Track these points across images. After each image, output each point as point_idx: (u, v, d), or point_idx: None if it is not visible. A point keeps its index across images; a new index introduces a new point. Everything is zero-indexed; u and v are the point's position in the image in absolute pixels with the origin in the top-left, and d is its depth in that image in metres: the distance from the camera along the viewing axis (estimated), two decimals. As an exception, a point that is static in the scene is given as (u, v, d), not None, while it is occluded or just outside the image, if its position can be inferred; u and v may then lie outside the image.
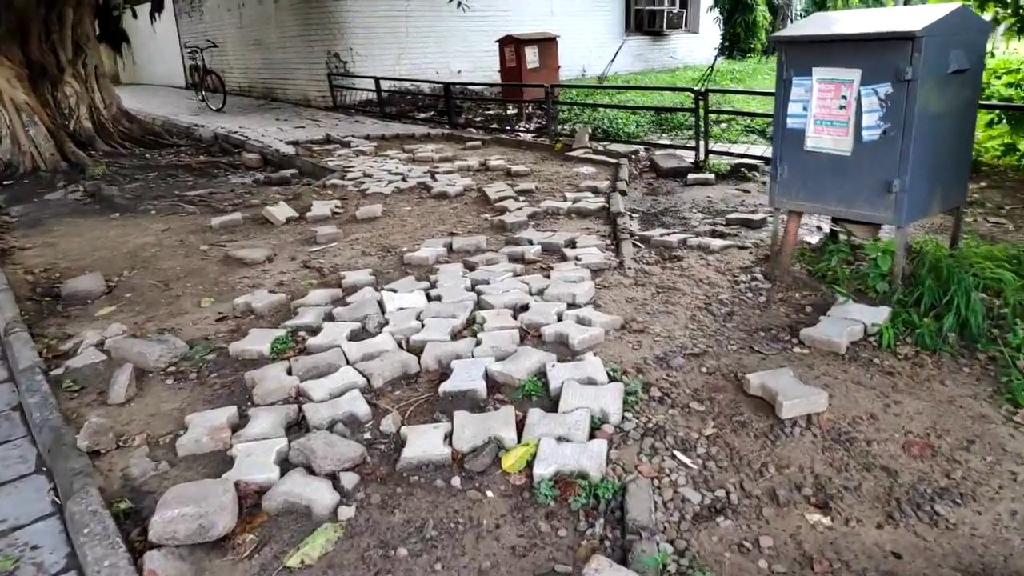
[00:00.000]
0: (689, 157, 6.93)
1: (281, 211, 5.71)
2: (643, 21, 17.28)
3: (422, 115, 11.17)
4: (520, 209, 5.55)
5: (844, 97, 3.26)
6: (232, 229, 5.56)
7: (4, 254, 5.29)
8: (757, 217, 4.89)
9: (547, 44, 10.17)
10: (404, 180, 6.75)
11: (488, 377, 2.83)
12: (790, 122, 3.49)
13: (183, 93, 17.27)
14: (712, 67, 9.54)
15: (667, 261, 4.20)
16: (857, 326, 3.07)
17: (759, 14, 14.93)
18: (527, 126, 9.64)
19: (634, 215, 5.39)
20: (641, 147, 7.59)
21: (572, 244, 4.60)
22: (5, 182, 8.07)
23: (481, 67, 14.27)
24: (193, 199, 6.49)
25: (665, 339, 3.17)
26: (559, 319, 3.35)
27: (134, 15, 10.60)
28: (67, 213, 6.55)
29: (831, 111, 3.32)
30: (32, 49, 8.32)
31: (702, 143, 6.73)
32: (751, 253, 4.23)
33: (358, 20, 12.67)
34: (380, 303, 3.65)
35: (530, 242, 4.67)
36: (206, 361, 3.29)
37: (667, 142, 7.90)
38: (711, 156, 6.72)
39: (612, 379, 2.76)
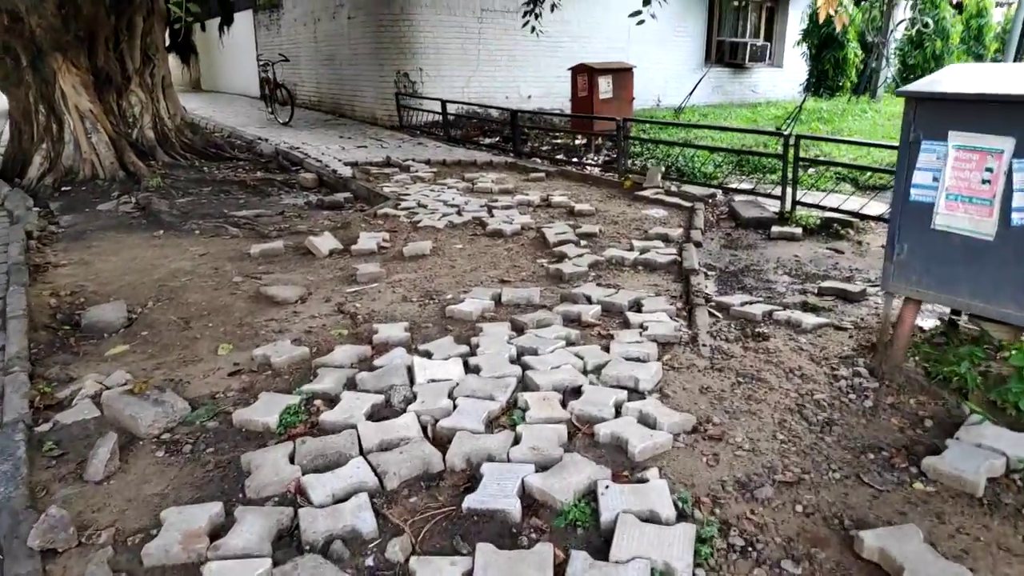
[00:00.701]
0: (773, 206, 6.28)
1: (325, 242, 5.33)
2: (724, 53, 16.60)
3: (487, 140, 10.78)
4: (581, 256, 5.01)
5: (990, 170, 2.63)
6: (271, 259, 5.20)
7: (38, 270, 5.04)
8: (855, 288, 4.22)
9: (622, 74, 9.66)
10: (459, 213, 6.30)
11: (525, 493, 2.30)
12: (915, 193, 2.86)
13: (257, 104, 17.41)
14: (800, 107, 8.83)
15: (750, 339, 3.59)
16: (997, 459, 2.42)
17: (850, 51, 14.09)
18: (595, 159, 9.12)
19: (710, 273, 4.79)
20: (719, 191, 6.97)
21: (637, 306, 4.04)
22: (63, 188, 8.01)
23: (552, 93, 13.87)
24: (239, 221, 6.19)
25: (748, 454, 2.57)
26: (617, 412, 2.80)
27: (203, 28, 10.56)
28: (113, 226, 6.35)
29: (970, 185, 2.69)
30: (99, 57, 8.26)
31: (788, 192, 6.07)
32: (851, 337, 3.59)
33: (429, 41, 12.43)
34: (410, 370, 3.17)
35: (589, 300, 4.13)
36: (205, 430, 2.85)
37: (748, 187, 7.24)
38: (798, 207, 6.05)
39: (680, 514, 2.18)
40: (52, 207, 7.21)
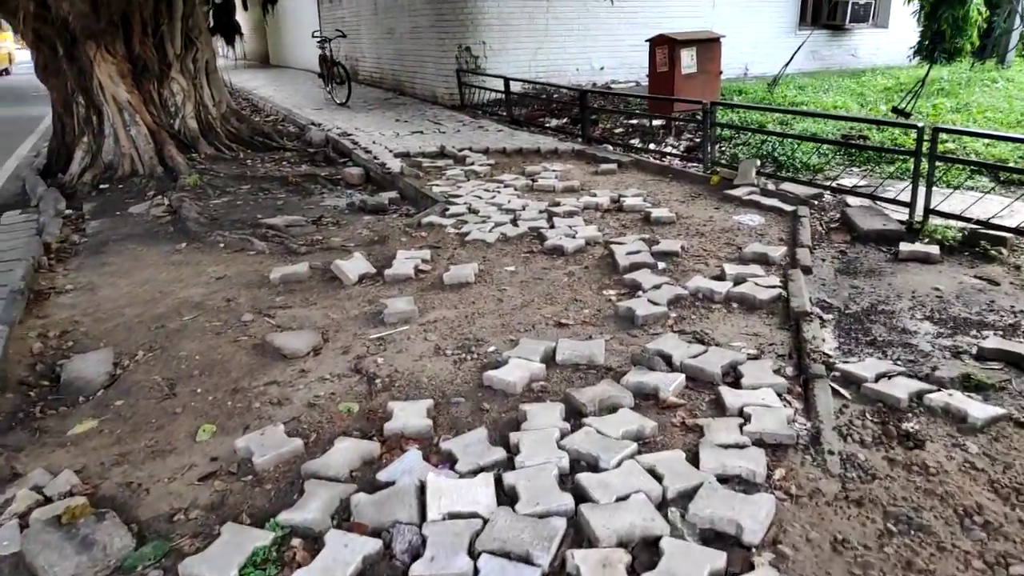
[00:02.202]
0: (898, 213, 5.12)
1: (355, 266, 4.55)
2: (821, 13, 14.90)
3: (554, 122, 9.77)
4: (658, 288, 4.05)
5: None
6: (292, 287, 4.46)
7: (38, 298, 4.48)
8: (1031, 349, 3.14)
9: (708, 46, 8.45)
10: (514, 222, 5.41)
11: None
12: None
13: (318, 81, 16.86)
14: (924, 80, 7.44)
15: (895, 442, 2.59)
16: None
17: (973, 7, 12.26)
18: (676, 144, 8.02)
19: (826, 317, 3.75)
20: (826, 190, 5.82)
21: (734, 375, 3.09)
22: (101, 185, 7.55)
23: (627, 64, 12.70)
24: (267, 232, 5.48)
25: None
26: (712, 593, 1.90)
27: (245, 7, 9.91)
28: (137, 235, 5.78)
29: None
30: (135, 43, 7.69)
31: (920, 197, 4.90)
32: (1046, 443, 2.55)
33: (493, 11, 11.44)
34: (423, 491, 2.34)
35: (668, 362, 3.19)
36: (142, 586, 2.11)
37: (863, 184, 6.05)
38: (931, 216, 4.88)
39: None
40: (85, 209, 6.74)
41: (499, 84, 10.12)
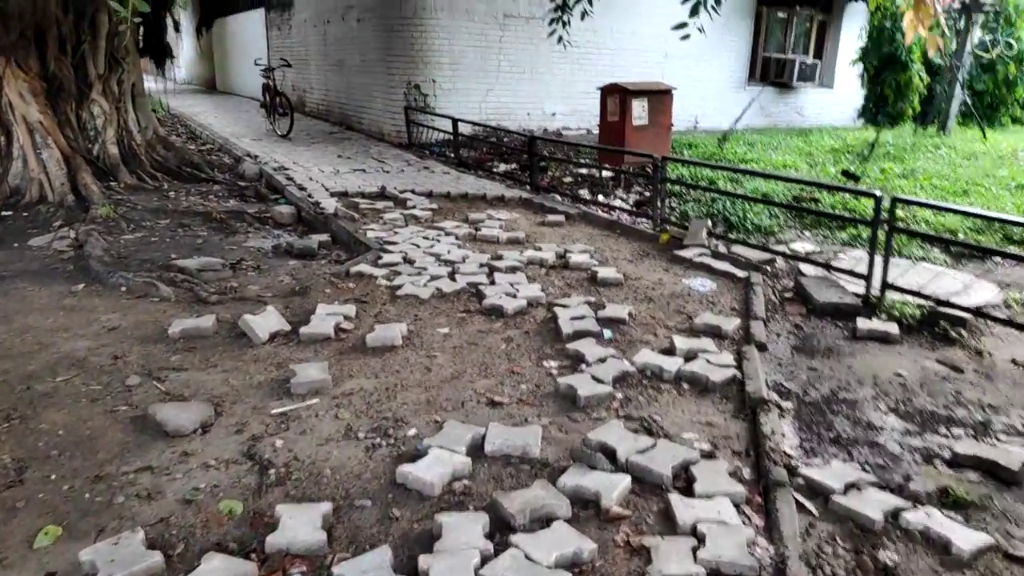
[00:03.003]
0: (853, 285, 4.90)
1: (266, 322, 4.04)
2: (769, 71, 15.14)
3: (502, 167, 9.47)
4: (603, 363, 3.67)
5: None
6: (192, 344, 3.92)
7: None
8: (1007, 458, 2.84)
9: (660, 97, 8.31)
10: (452, 277, 4.99)
11: None
12: None
13: (262, 111, 16.31)
14: (874, 144, 7.39)
15: None
16: None
17: (914, 74, 12.59)
18: (625, 196, 7.77)
19: (785, 405, 3.42)
20: (778, 256, 5.59)
21: (686, 478, 2.70)
22: (4, 212, 6.84)
23: (579, 111, 12.56)
24: (176, 276, 4.92)
25: None
26: None
27: (176, 29, 9.40)
28: (32, 272, 5.15)
29: None
30: (51, 60, 7.08)
31: (877, 270, 4.68)
32: (1037, 580, 2.22)
33: (444, 49, 11.16)
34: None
35: (612, 459, 2.79)
36: None
37: (815, 249, 5.86)
38: (888, 290, 4.66)
39: None
40: (-21, 238, 6.05)
41: (448, 124, 9.80)
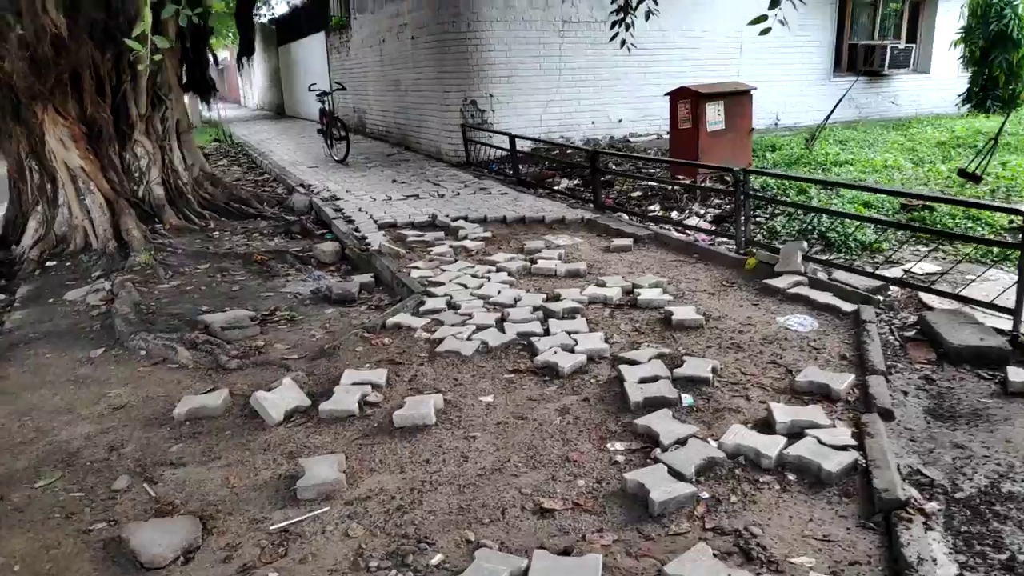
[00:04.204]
0: (996, 320, 3.95)
1: (282, 398, 3.48)
2: (857, 59, 13.86)
3: (564, 183, 8.76)
4: (683, 446, 2.92)
5: None
6: (198, 428, 3.40)
7: None
8: None
9: (737, 99, 7.43)
10: (501, 327, 4.33)
11: None
12: None
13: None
14: (997, 138, 6.29)
15: None
16: None
17: (1029, 51, 11.16)
18: (701, 211, 6.92)
19: (928, 503, 2.58)
20: (892, 282, 4.66)
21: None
22: (49, 262, 6.64)
23: (648, 115, 11.74)
24: (198, 338, 4.42)
25: None
26: None
27: (216, 62, 9.13)
28: (58, 334, 4.81)
29: None
30: (88, 104, 6.85)
31: (1028, 303, 3.73)
32: None
33: (500, 61, 10.57)
34: None
35: (699, 608, 2.05)
36: None
37: (934, 269, 4.90)
38: (1043, 327, 3.70)
39: None
40: (19, 294, 5.82)
41: (506, 141, 9.17)
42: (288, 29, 21.87)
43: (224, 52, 27.93)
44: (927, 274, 4.80)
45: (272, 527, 2.61)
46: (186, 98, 8.60)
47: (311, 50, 19.07)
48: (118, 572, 2.43)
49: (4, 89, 6.61)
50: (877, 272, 4.71)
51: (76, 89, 6.80)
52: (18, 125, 6.86)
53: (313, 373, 3.89)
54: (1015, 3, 11.34)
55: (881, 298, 4.49)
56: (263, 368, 4.03)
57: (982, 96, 12.21)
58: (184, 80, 8.26)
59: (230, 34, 21.60)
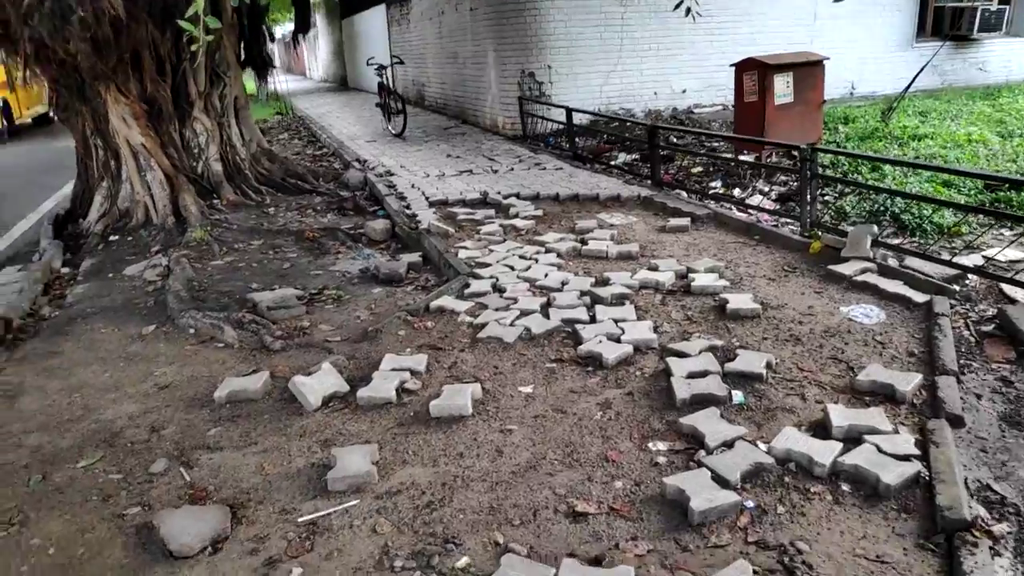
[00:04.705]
0: (1086, 316, 3.60)
1: (320, 384, 3.45)
2: (943, 22, 12.95)
3: (622, 157, 8.49)
4: (729, 449, 2.76)
5: None
6: (237, 411, 3.41)
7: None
8: None
9: (808, 70, 7.00)
10: (546, 312, 4.20)
11: None
12: None
13: (384, 107, 16.19)
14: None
15: None
16: None
17: None
18: (766, 190, 6.59)
19: (998, 524, 2.35)
20: (971, 271, 4.31)
21: None
22: (112, 236, 6.84)
23: (712, 85, 11.28)
24: (245, 317, 4.44)
25: None
26: None
27: (271, 39, 9.14)
28: (114, 309, 4.95)
29: None
30: (147, 82, 6.95)
31: (1126, 299, 3.37)
32: None
33: (560, 32, 10.28)
34: None
35: (735, 633, 1.90)
36: None
37: (1019, 256, 4.52)
38: None
39: None
40: (83, 267, 6.00)
41: (562, 114, 8.94)
42: (351, 2, 21.90)
43: (289, 27, 28.24)
44: (1011, 262, 4.43)
45: (300, 519, 2.58)
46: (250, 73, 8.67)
47: (372, 23, 19.06)
48: (147, 560, 2.44)
49: (69, 70, 6.77)
50: (954, 260, 4.36)
51: (137, 68, 6.91)
52: (83, 104, 7.03)
53: (354, 357, 3.85)
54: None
55: (958, 288, 4.16)
56: (306, 350, 4.01)
57: (1084, 62, 11.21)
58: (242, 57, 8.31)
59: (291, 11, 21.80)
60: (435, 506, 2.61)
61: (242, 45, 8.23)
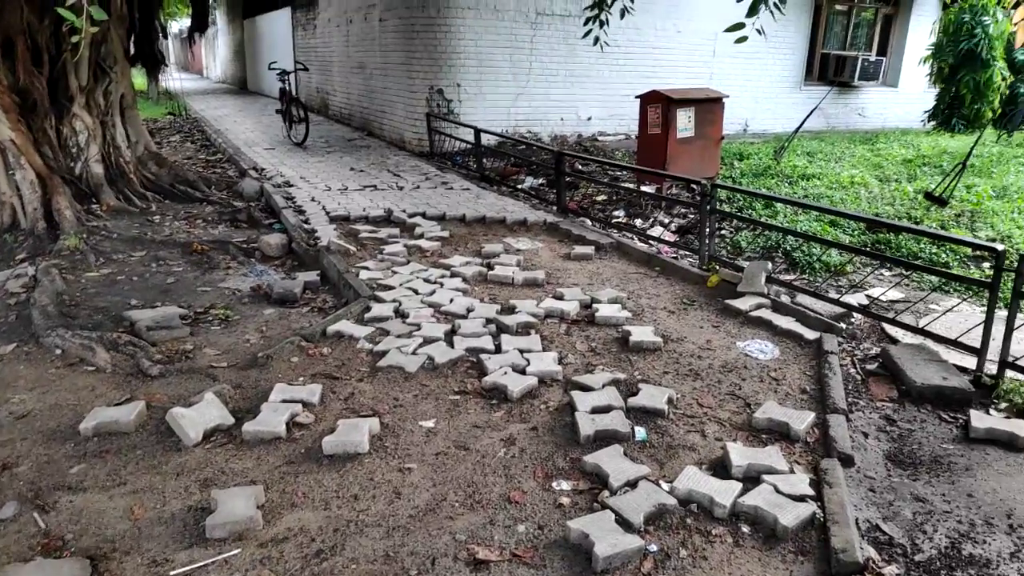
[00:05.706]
0: (959, 357, 3.83)
1: (202, 416, 3.18)
2: (828, 69, 13.87)
3: (529, 181, 8.52)
4: (632, 489, 2.72)
5: None
6: (105, 446, 3.08)
7: None
8: None
9: (708, 106, 7.26)
10: (450, 340, 4.08)
11: None
12: None
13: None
14: (965, 163, 6.22)
15: None
16: None
17: (996, 72, 11.22)
18: (667, 221, 6.75)
19: (887, 565, 2.42)
20: (855, 311, 4.52)
21: None
22: (-30, 241, 6.16)
23: (617, 115, 11.55)
24: (120, 338, 4.08)
25: None
26: None
27: (164, 35, 8.66)
28: (-37, 326, 4.40)
29: None
30: (22, 71, 6.37)
31: (993, 341, 3.61)
32: None
33: (470, 50, 10.26)
34: None
35: None
36: None
37: (898, 296, 4.79)
38: (1006, 368, 3.59)
39: None
40: (-69, 276, 5.35)
41: (470, 134, 8.89)
42: (254, 2, 21.15)
43: (186, 22, 26.93)
44: (891, 302, 4.69)
45: (173, 572, 2.34)
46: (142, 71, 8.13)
47: (277, 25, 18.46)
48: (-12, 624, 2.13)
49: (-73, 52, 6.11)
50: (841, 300, 4.56)
51: (9, 57, 6.32)
52: (-57, 92, 6.35)
53: (241, 386, 3.59)
54: (986, 23, 11.38)
55: (844, 326, 4.35)
56: (188, 377, 3.71)
57: (948, 114, 12.28)
58: (132, 52, 7.78)
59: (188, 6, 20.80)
60: (325, 555, 2.43)
61: (132, 39, 7.70)
